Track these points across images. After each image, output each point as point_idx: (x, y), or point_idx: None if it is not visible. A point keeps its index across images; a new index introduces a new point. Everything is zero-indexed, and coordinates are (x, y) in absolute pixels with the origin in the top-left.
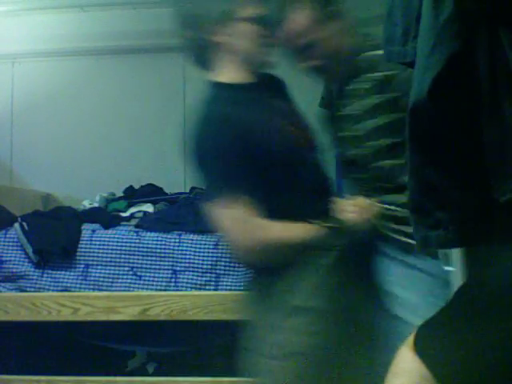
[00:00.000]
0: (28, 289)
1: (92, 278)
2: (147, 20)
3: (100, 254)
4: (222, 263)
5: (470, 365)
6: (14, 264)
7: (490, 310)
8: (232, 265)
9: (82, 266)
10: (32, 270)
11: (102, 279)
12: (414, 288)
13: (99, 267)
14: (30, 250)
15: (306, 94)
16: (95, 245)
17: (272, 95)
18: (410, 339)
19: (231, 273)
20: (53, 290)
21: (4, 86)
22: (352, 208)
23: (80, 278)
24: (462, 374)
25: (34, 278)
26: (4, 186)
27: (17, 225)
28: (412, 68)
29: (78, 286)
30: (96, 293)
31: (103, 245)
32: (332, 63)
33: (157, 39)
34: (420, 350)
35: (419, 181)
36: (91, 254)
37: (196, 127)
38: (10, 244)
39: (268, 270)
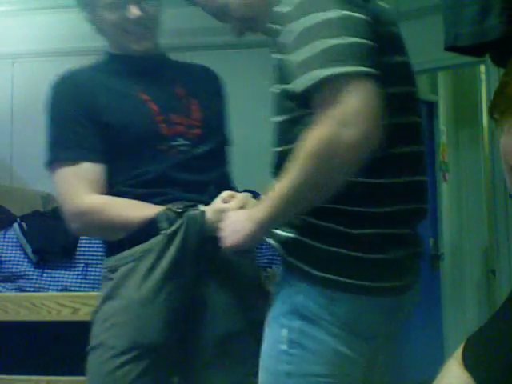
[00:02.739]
0: (28, 289)
1: (92, 277)
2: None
3: (99, 253)
4: None
5: None
6: (13, 264)
7: None
8: None
9: (82, 265)
10: (31, 269)
11: (101, 278)
12: None
13: (99, 266)
14: (29, 249)
15: None
16: (94, 244)
17: (153, 75)
18: (458, 352)
19: None
20: (52, 290)
21: (4, 85)
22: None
23: (80, 277)
24: None
25: (34, 277)
26: (4, 186)
27: (16, 225)
28: (478, 55)
29: (77, 285)
30: (96, 293)
31: (102, 244)
32: (253, 24)
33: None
34: (469, 363)
35: None
36: (90, 253)
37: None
38: (10, 244)
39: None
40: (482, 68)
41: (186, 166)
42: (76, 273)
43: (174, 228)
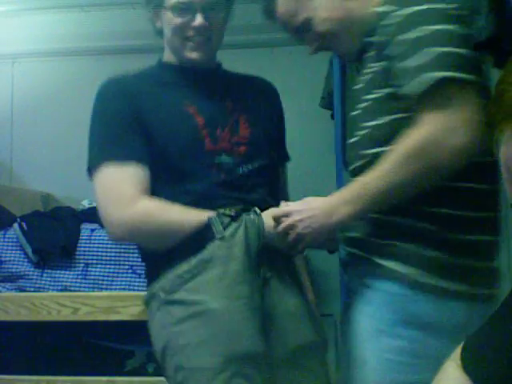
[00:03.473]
0: (28, 289)
1: (92, 277)
2: (147, 20)
3: (99, 253)
4: None
5: None
6: (13, 264)
7: None
8: None
9: (82, 265)
10: (32, 269)
11: (101, 278)
12: None
13: (99, 266)
14: (29, 249)
15: (306, 94)
16: (94, 244)
17: (204, 87)
18: (456, 353)
19: None
20: (52, 290)
21: (4, 85)
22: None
23: (80, 277)
24: None
25: (34, 277)
26: (4, 186)
27: (16, 225)
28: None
29: (77, 285)
30: (96, 293)
31: (102, 244)
32: (334, 40)
33: (156, 39)
34: (467, 365)
35: None
36: (90, 253)
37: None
38: (10, 244)
39: (147, 254)
40: None
41: (229, 184)
42: (76, 273)
43: (231, 230)
